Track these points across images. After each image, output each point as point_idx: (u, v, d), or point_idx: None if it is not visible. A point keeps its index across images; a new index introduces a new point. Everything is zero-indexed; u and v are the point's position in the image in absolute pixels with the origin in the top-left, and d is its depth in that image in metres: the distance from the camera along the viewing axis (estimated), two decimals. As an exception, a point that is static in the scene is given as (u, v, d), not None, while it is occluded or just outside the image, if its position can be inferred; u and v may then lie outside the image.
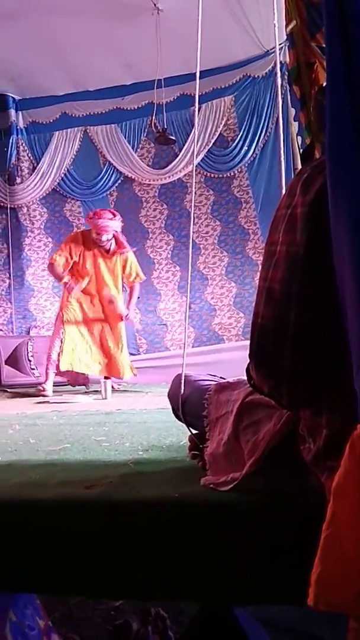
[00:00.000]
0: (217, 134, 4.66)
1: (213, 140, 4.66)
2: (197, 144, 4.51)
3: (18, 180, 5.05)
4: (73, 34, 4.05)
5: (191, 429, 1.35)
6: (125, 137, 4.88)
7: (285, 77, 3.94)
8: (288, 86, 4.14)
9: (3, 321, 5.12)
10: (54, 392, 3.54)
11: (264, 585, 1.01)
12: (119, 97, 4.84)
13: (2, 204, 5.02)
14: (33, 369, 4.39)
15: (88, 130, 4.97)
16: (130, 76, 4.70)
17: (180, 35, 3.76)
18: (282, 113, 2.50)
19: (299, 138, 4.28)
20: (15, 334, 4.96)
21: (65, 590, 1.21)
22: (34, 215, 5.10)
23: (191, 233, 1.58)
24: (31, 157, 5.09)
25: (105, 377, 3.55)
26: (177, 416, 1.38)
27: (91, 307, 3.68)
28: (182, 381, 1.33)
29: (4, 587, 1.18)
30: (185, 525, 1.05)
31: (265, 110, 4.52)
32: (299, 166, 4.12)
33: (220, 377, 1.34)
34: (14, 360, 4.53)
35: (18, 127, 5.04)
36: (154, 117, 4.74)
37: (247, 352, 0.88)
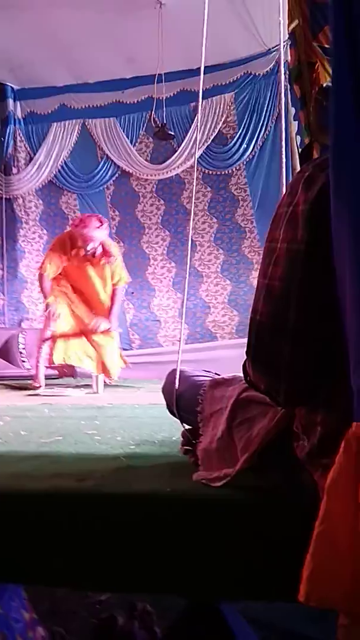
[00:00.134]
0: (217, 130, 4.66)
1: (212, 137, 4.66)
2: (198, 139, 4.50)
3: (14, 170, 5.02)
4: (75, 26, 4.03)
5: (184, 425, 1.35)
6: (123, 131, 4.86)
7: (286, 76, 3.95)
8: (288, 85, 4.14)
9: (-4, 312, 5.10)
10: (45, 385, 3.53)
11: (254, 580, 1.01)
12: (118, 91, 4.81)
13: (-3, 195, 5.00)
14: (24, 361, 4.38)
15: (86, 123, 4.95)
16: (131, 70, 4.67)
17: (182, 31, 3.75)
18: (284, 112, 2.49)
19: (298, 137, 4.28)
20: (7, 326, 4.94)
21: (54, 582, 1.21)
22: (29, 206, 5.07)
23: (190, 230, 1.58)
24: (28, 148, 5.05)
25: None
26: (171, 411, 1.38)
27: (80, 304, 3.65)
28: (177, 376, 1.33)
29: (-8, 577, 1.17)
30: (176, 520, 1.06)
31: (265, 109, 4.52)
32: (298, 166, 4.12)
33: (215, 374, 1.34)
34: (5, 352, 4.52)
35: (16, 117, 5.01)
36: (153, 112, 4.73)
37: (240, 350, 0.88)
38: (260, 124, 4.55)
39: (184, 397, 1.32)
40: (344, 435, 0.68)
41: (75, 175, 4.99)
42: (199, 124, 4.41)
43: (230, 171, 4.70)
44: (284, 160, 1.82)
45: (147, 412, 2.32)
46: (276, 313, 0.81)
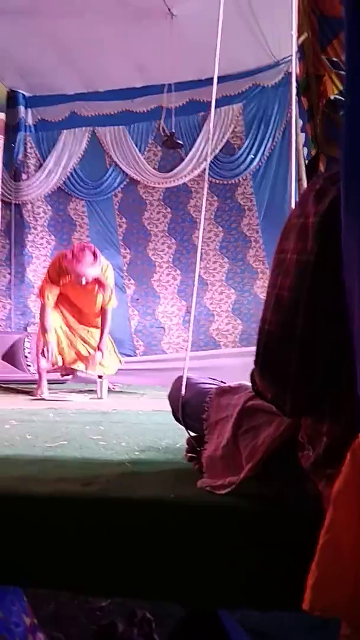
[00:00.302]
0: (224, 140, 4.69)
1: (220, 147, 4.69)
2: (210, 149, 4.53)
3: (24, 176, 5.06)
4: (86, 35, 4.08)
5: (189, 432, 1.36)
6: (132, 139, 4.90)
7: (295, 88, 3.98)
8: (296, 97, 4.17)
9: (2, 317, 5.12)
10: (48, 389, 3.53)
11: (255, 589, 1.02)
12: (128, 99, 4.86)
13: (6, 200, 5.03)
14: (29, 365, 4.39)
15: (96, 131, 4.99)
16: (141, 79, 4.72)
17: (193, 42, 3.79)
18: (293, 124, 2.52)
19: (305, 149, 4.31)
20: (14, 330, 4.96)
21: (56, 585, 1.22)
22: (37, 212, 5.11)
23: (200, 238, 1.60)
24: (38, 155, 5.10)
25: (99, 377, 3.55)
26: (176, 418, 1.39)
27: (74, 313, 3.64)
28: (184, 383, 1.34)
29: (-4, 580, 1.18)
30: (180, 527, 1.06)
31: (272, 120, 4.55)
32: (304, 177, 4.15)
33: (221, 381, 1.35)
34: (10, 356, 4.54)
35: (27, 124, 5.06)
36: (162, 121, 4.77)
37: (244, 358, 0.89)
38: (268, 135, 4.58)
39: (190, 404, 1.33)
40: (349, 446, 0.69)
41: (84, 182, 5.03)
42: (211, 133, 4.44)
43: (236, 181, 4.73)
44: (293, 171, 1.84)
45: (152, 419, 2.32)
46: (285, 323, 0.82)
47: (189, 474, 1.25)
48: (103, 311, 3.64)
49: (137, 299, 5.00)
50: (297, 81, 4.21)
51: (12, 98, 4.97)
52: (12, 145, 4.96)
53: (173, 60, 4.01)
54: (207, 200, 4.70)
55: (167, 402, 1.47)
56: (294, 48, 2.36)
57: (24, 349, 4.41)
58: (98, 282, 3.47)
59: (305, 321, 0.80)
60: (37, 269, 5.06)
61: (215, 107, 4.47)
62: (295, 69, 3.34)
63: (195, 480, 1.18)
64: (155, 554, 1.06)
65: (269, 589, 1.00)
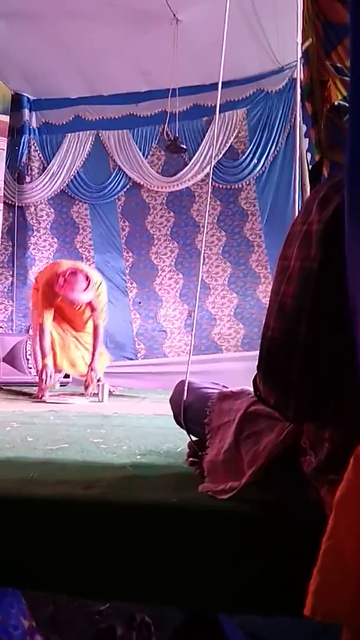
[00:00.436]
0: (228, 145, 4.70)
1: (223, 152, 4.70)
2: (214, 153, 4.54)
3: (27, 179, 5.08)
4: (91, 39, 4.09)
5: (191, 436, 1.36)
6: (136, 143, 4.91)
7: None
8: (300, 102, 4.18)
9: (3, 318, 5.13)
10: (49, 392, 3.53)
11: (256, 593, 1.02)
12: (132, 104, 4.87)
13: (10, 202, 5.04)
14: (30, 367, 4.39)
15: (100, 134, 5.01)
16: (145, 84, 4.74)
17: (197, 47, 3.81)
18: (298, 130, 2.53)
19: (308, 155, 4.32)
20: (15, 332, 4.97)
21: (56, 588, 1.22)
22: (40, 214, 5.12)
23: (203, 242, 1.61)
24: (42, 157, 5.12)
25: (98, 380, 3.55)
26: (178, 422, 1.39)
27: (65, 321, 3.62)
28: (186, 388, 1.35)
29: (-4, 582, 1.18)
30: (182, 531, 1.06)
31: (276, 125, 4.56)
32: (307, 182, 4.15)
33: (223, 386, 1.36)
34: (11, 358, 4.53)
35: (31, 127, 5.07)
36: (166, 125, 4.78)
37: (245, 363, 0.90)
38: (271, 140, 4.59)
39: (191, 409, 1.33)
40: (351, 452, 0.69)
41: (87, 185, 5.05)
42: (215, 138, 4.45)
43: (240, 185, 4.74)
44: (297, 176, 1.84)
45: (153, 422, 2.32)
46: (288, 329, 0.83)
47: (191, 478, 1.25)
48: (94, 327, 3.61)
49: (140, 303, 5.00)
50: (301, 87, 4.24)
51: (17, 101, 4.99)
52: (16, 148, 4.98)
53: (178, 65, 4.02)
54: (210, 204, 4.72)
55: (169, 405, 1.47)
56: (299, 54, 2.37)
57: (26, 351, 4.41)
58: (90, 304, 3.45)
59: (308, 328, 0.80)
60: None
61: (219, 112, 4.50)
62: (299, 74, 3.36)
63: (196, 484, 1.18)
64: (156, 557, 1.07)
65: (270, 594, 1.00)
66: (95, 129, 5.01)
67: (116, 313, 4.98)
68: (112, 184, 4.98)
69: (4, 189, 4.94)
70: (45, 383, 3.35)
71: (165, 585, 1.07)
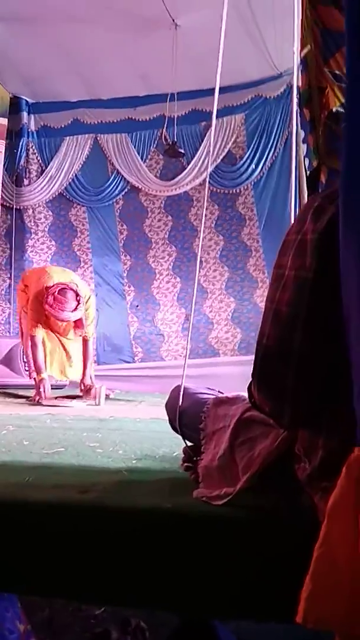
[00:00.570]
0: (226, 150, 4.72)
1: (222, 157, 4.72)
2: (210, 157, 4.55)
3: (25, 182, 5.08)
4: (91, 43, 4.11)
5: (186, 441, 1.36)
6: (134, 147, 4.92)
7: (297, 99, 4.01)
8: (298, 109, 4.20)
9: (1, 321, 5.12)
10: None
11: (251, 599, 1.02)
12: (131, 108, 4.88)
13: (8, 205, 5.04)
14: (27, 370, 4.39)
15: (98, 138, 5.02)
16: (144, 88, 4.75)
17: (196, 52, 3.83)
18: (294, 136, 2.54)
19: (307, 160, 4.34)
20: (12, 335, 4.96)
21: (51, 593, 1.22)
22: (39, 217, 5.12)
23: (200, 246, 1.61)
24: (40, 160, 5.12)
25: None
26: (173, 427, 1.40)
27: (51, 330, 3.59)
28: (181, 393, 1.35)
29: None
30: (176, 536, 1.07)
31: (274, 131, 4.58)
32: (305, 188, 4.17)
33: (219, 392, 1.36)
34: (8, 360, 4.53)
35: (29, 130, 5.08)
36: (164, 130, 4.80)
37: (242, 367, 0.91)
38: (270, 146, 4.60)
39: (187, 414, 1.33)
40: (345, 459, 0.69)
41: (86, 188, 5.05)
42: (212, 141, 4.47)
43: (238, 190, 4.75)
44: (293, 182, 1.86)
45: (149, 426, 2.33)
46: (282, 338, 0.83)
47: (185, 483, 1.26)
48: (84, 342, 3.60)
49: (137, 306, 5.01)
50: (299, 93, 4.26)
51: (15, 104, 4.99)
52: (15, 151, 4.98)
53: (176, 69, 4.04)
54: (208, 209, 4.73)
55: (165, 410, 1.47)
56: (296, 62, 2.39)
57: (22, 353, 4.41)
58: (78, 321, 3.42)
59: (303, 337, 0.81)
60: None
61: (218, 117, 4.52)
62: (296, 81, 3.38)
63: (191, 490, 1.18)
64: (150, 562, 1.07)
65: (263, 600, 1.00)
66: (93, 133, 5.02)
67: (114, 316, 4.98)
68: (111, 187, 4.99)
69: (2, 191, 4.94)
70: (44, 397, 3.34)
71: (159, 591, 1.07)
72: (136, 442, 1.89)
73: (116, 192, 4.99)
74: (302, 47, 3.99)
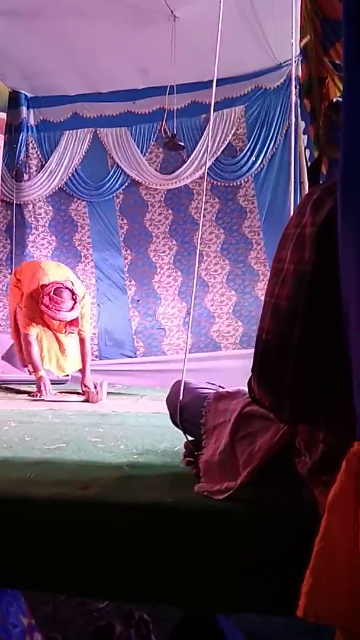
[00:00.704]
0: (226, 142, 4.69)
1: (222, 149, 4.69)
2: (208, 151, 4.53)
3: (25, 177, 5.06)
4: (89, 36, 4.08)
5: (187, 436, 1.36)
6: (134, 141, 4.90)
7: (297, 90, 3.99)
8: (299, 99, 4.18)
9: (2, 317, 5.12)
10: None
11: (252, 593, 1.02)
12: (130, 101, 4.85)
13: (8, 200, 5.03)
14: (26, 366, 4.39)
15: (98, 132, 4.99)
16: (143, 81, 4.72)
17: (195, 44, 3.79)
18: (294, 127, 2.52)
19: (307, 151, 4.32)
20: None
21: (53, 588, 1.22)
22: (39, 212, 5.11)
23: (199, 239, 1.61)
24: (40, 155, 5.10)
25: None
26: (174, 422, 1.40)
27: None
28: (182, 388, 1.35)
29: (-6, 582, 1.19)
30: (177, 531, 1.07)
31: (275, 122, 4.54)
32: (306, 179, 4.15)
33: (219, 386, 1.36)
34: (10, 356, 4.53)
35: (29, 125, 5.05)
36: (164, 123, 4.77)
37: (244, 361, 0.90)
38: (270, 137, 4.57)
39: (187, 409, 1.33)
40: (345, 453, 0.69)
41: (86, 183, 5.03)
42: (209, 136, 4.44)
43: (238, 183, 4.73)
44: (292, 174, 1.85)
45: (150, 421, 2.33)
46: (282, 332, 0.83)
47: (187, 478, 1.26)
48: (81, 341, 3.57)
49: (138, 300, 5.00)
50: (299, 84, 4.23)
51: (14, 98, 4.96)
52: (14, 145, 4.96)
53: (175, 62, 4.01)
54: (208, 202, 4.71)
55: (166, 405, 1.47)
56: (295, 53, 2.36)
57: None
58: (74, 320, 3.39)
59: (302, 331, 0.80)
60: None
61: (218, 109, 4.49)
62: (296, 71, 3.35)
63: (192, 484, 1.18)
64: (152, 557, 1.07)
65: (263, 594, 1.00)
66: (93, 127, 4.99)
67: (115, 311, 4.98)
68: (111, 181, 4.97)
69: (2, 186, 4.93)
70: (46, 393, 3.33)
71: (160, 585, 1.08)
72: (137, 437, 1.89)
73: (116, 186, 4.97)
74: (302, 37, 3.96)
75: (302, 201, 0.85)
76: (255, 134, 4.62)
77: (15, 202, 5.04)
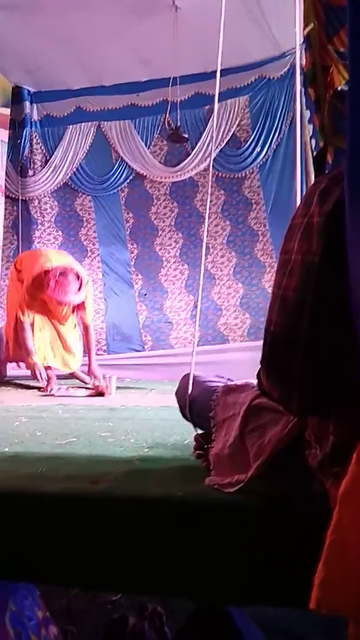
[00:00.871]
0: (231, 133, 4.65)
1: (226, 140, 4.65)
2: (214, 142, 4.50)
3: (30, 172, 5.06)
4: (90, 29, 4.05)
5: (197, 429, 1.36)
6: (138, 134, 4.87)
7: (301, 79, 3.93)
8: (303, 88, 4.13)
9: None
10: (57, 385, 3.55)
11: (263, 586, 1.02)
12: (133, 94, 4.83)
13: (13, 196, 5.03)
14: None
15: (102, 126, 4.97)
16: (146, 73, 4.69)
17: (197, 34, 3.75)
18: (298, 117, 2.50)
19: (312, 141, 4.27)
20: (22, 326, 4.98)
21: (66, 582, 1.23)
22: (44, 208, 5.11)
23: (205, 232, 1.60)
24: (44, 150, 5.09)
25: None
26: (184, 415, 1.40)
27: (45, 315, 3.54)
28: (191, 381, 1.35)
29: (7, 575, 1.20)
30: (189, 524, 1.07)
31: (279, 112, 4.50)
32: (312, 169, 4.11)
33: (228, 379, 1.36)
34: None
35: (32, 120, 5.04)
36: (167, 115, 4.74)
37: (251, 353, 0.90)
38: (275, 128, 4.53)
39: (197, 402, 1.33)
40: (356, 445, 0.69)
41: (90, 177, 5.02)
42: (214, 127, 4.41)
43: (243, 174, 4.70)
44: (298, 164, 1.83)
45: (160, 414, 2.33)
46: (290, 324, 0.82)
47: (197, 471, 1.26)
48: (85, 328, 3.55)
49: (145, 294, 5.00)
50: (303, 72, 4.18)
51: (17, 94, 4.95)
52: (18, 141, 4.96)
53: (178, 53, 3.98)
54: (213, 194, 4.69)
55: (175, 398, 1.47)
56: (298, 41, 2.34)
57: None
58: (79, 304, 3.38)
59: (310, 322, 0.80)
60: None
61: (221, 99, 4.46)
62: (300, 60, 3.32)
63: (203, 477, 1.18)
64: (163, 551, 1.08)
65: (275, 587, 1.01)
66: (96, 120, 4.97)
67: (122, 305, 4.98)
68: (115, 175, 4.96)
69: (7, 183, 4.93)
70: (48, 382, 3.33)
71: (171, 578, 1.08)
72: (147, 431, 1.89)
73: (121, 180, 4.96)
74: (306, 25, 3.91)
75: (308, 191, 0.84)
76: (260, 124, 4.58)
77: (20, 198, 5.04)
